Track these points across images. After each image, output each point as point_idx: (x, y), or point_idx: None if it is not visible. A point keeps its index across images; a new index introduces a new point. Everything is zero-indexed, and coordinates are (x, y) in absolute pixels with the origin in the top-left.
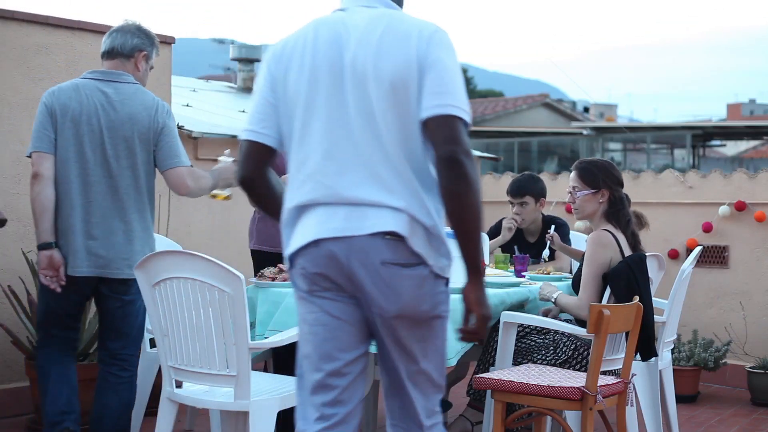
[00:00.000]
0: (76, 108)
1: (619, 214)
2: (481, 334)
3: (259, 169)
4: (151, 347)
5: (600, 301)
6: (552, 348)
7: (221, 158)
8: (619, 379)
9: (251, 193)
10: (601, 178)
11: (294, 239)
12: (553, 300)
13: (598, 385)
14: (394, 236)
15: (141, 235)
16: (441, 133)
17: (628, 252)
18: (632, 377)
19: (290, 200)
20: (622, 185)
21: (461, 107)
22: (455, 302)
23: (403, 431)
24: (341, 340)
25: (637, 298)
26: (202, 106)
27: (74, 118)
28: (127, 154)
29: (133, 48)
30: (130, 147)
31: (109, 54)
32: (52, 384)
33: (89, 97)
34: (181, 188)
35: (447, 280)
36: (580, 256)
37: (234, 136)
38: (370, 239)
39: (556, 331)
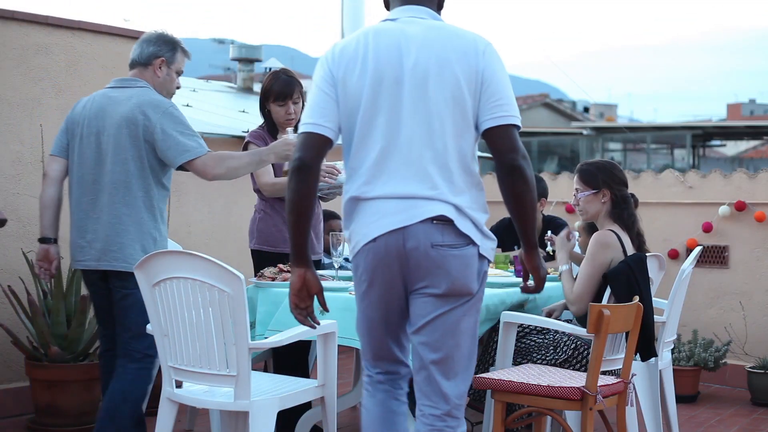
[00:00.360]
0: (82, 114)
1: (624, 213)
2: (541, 288)
3: (318, 157)
4: None
5: (594, 300)
6: (552, 347)
7: (283, 136)
8: (619, 379)
9: (305, 179)
10: (601, 179)
11: (355, 235)
12: (560, 271)
13: (598, 385)
14: (442, 220)
15: (131, 229)
16: (502, 142)
17: (631, 252)
18: (632, 377)
19: (349, 191)
20: (625, 185)
21: (516, 115)
22: None
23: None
24: (390, 323)
25: (637, 298)
26: (202, 106)
27: (80, 123)
28: (117, 151)
29: (149, 56)
30: (121, 145)
31: (131, 65)
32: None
33: (94, 102)
34: (207, 177)
35: (489, 262)
36: (577, 260)
37: (234, 136)
38: (421, 225)
39: (556, 331)
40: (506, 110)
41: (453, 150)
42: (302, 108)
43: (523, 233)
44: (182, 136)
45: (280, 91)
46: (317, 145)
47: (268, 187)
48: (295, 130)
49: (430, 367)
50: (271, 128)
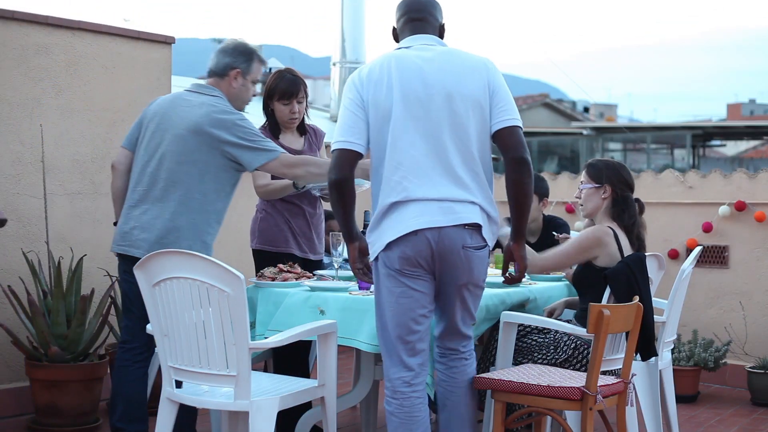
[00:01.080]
0: (155, 110)
1: (624, 214)
2: (522, 277)
3: (350, 172)
4: None
5: (593, 301)
6: (552, 347)
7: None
8: (619, 379)
9: (342, 193)
10: (606, 175)
11: (392, 229)
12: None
13: (599, 385)
14: (473, 226)
15: (181, 228)
16: (511, 140)
17: (628, 252)
18: (632, 377)
19: (386, 197)
20: (629, 187)
21: (518, 118)
22: None
23: (452, 346)
24: (419, 305)
25: (637, 298)
26: None
27: (152, 118)
28: (179, 151)
29: (225, 67)
30: (184, 147)
31: (208, 74)
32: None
33: (169, 101)
34: (287, 177)
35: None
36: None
37: None
38: (456, 229)
39: (557, 331)
40: (511, 114)
41: (477, 156)
42: (306, 108)
43: (517, 221)
44: (253, 144)
45: (285, 89)
46: (350, 160)
47: (260, 190)
48: (299, 129)
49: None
50: (273, 128)
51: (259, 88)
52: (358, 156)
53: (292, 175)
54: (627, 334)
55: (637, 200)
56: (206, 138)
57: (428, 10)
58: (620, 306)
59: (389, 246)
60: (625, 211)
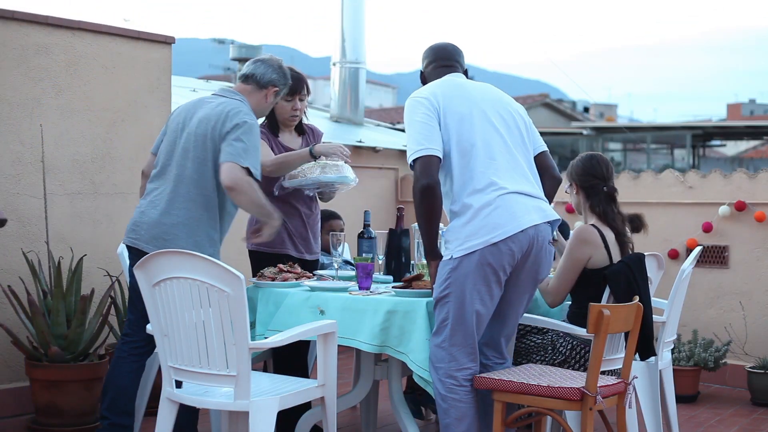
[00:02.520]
0: (178, 111)
1: (597, 207)
2: None
3: (437, 174)
4: None
5: (592, 300)
6: (550, 348)
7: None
8: (619, 380)
9: (434, 197)
10: (570, 172)
11: (501, 227)
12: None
13: (599, 385)
14: (551, 222)
15: (186, 223)
16: (549, 161)
17: (615, 248)
18: (633, 379)
19: (481, 194)
20: (593, 176)
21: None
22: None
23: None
24: (492, 305)
25: (636, 298)
26: None
27: (174, 119)
28: (189, 148)
29: (269, 82)
30: (193, 143)
31: (246, 79)
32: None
33: (192, 104)
34: (224, 182)
35: None
36: None
37: None
38: (546, 224)
39: (556, 332)
40: (541, 139)
41: (532, 164)
42: (306, 106)
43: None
44: (242, 144)
45: (291, 86)
46: (436, 165)
47: (269, 166)
48: (297, 128)
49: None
50: (272, 126)
51: None
52: (439, 160)
53: (228, 183)
54: (627, 334)
55: (638, 216)
56: (216, 134)
57: (455, 58)
58: (620, 306)
59: (497, 243)
60: (598, 203)
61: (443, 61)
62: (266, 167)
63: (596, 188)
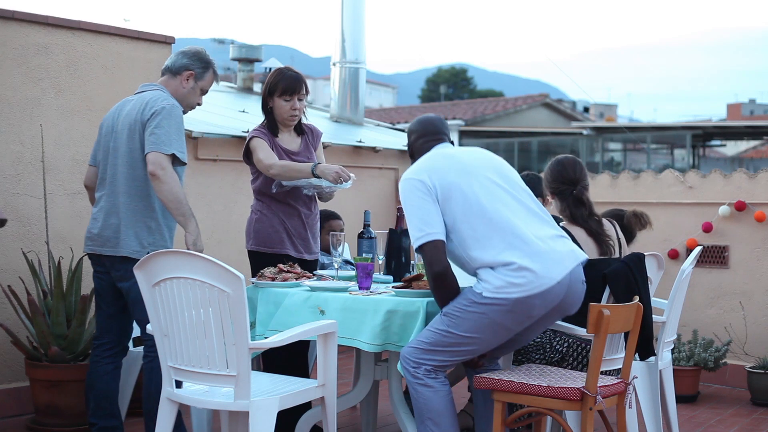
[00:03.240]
0: (106, 118)
1: (569, 209)
2: None
3: (447, 260)
4: (134, 346)
5: (593, 301)
6: (548, 346)
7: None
8: (619, 379)
9: (448, 282)
10: (543, 181)
11: (538, 281)
12: None
13: (599, 385)
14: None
15: (125, 218)
16: None
17: (588, 245)
18: (632, 379)
19: (511, 248)
20: (565, 181)
21: None
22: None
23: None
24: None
25: (636, 298)
26: (201, 106)
27: (103, 125)
28: (119, 145)
29: (180, 67)
30: (122, 139)
31: (162, 71)
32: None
33: (116, 107)
34: (149, 169)
35: None
36: None
37: (234, 136)
38: (578, 265)
39: (552, 330)
40: None
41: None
42: (305, 107)
43: None
44: (162, 130)
45: (287, 86)
46: (441, 249)
47: (275, 169)
48: (296, 128)
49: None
50: (271, 126)
51: (258, 87)
52: (444, 243)
53: (151, 171)
54: (627, 334)
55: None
56: (139, 126)
57: (443, 131)
58: (620, 306)
59: (530, 295)
60: (564, 205)
61: (431, 135)
62: (272, 169)
63: (565, 193)
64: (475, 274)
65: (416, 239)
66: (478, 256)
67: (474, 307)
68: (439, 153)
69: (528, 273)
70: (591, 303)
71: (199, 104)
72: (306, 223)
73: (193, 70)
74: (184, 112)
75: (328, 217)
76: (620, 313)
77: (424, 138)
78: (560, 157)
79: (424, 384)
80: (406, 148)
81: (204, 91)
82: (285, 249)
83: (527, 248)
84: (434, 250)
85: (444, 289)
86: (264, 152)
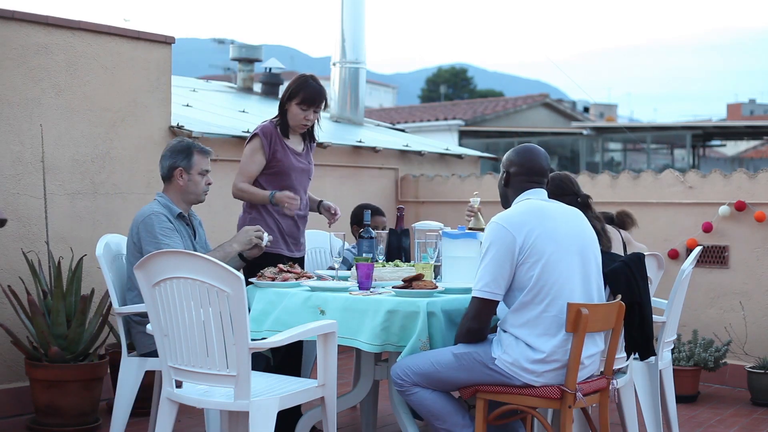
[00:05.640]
0: None
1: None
2: None
3: (488, 321)
4: (129, 352)
5: None
6: None
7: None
8: (601, 376)
9: (479, 339)
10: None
11: (534, 372)
12: None
13: (578, 382)
14: None
15: None
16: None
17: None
18: (616, 374)
19: (532, 339)
20: (569, 194)
21: None
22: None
23: None
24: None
25: (620, 297)
26: (202, 106)
27: None
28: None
29: (168, 169)
30: (127, 248)
31: (162, 179)
32: None
33: None
34: None
35: None
36: None
37: (234, 136)
38: None
39: None
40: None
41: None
42: (319, 118)
43: None
44: (150, 242)
45: (309, 96)
46: (492, 310)
47: (237, 190)
48: (304, 136)
49: None
50: (283, 127)
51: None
52: (497, 304)
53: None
54: (626, 334)
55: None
56: (132, 237)
57: (545, 173)
58: (600, 305)
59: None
60: None
61: (533, 176)
62: (236, 188)
63: (573, 204)
64: (502, 320)
65: (478, 290)
66: (515, 321)
67: (482, 366)
68: (538, 208)
69: (545, 370)
70: (568, 302)
71: (209, 184)
72: (298, 224)
73: (179, 165)
74: (198, 201)
75: (374, 213)
76: (600, 311)
77: (525, 176)
78: (552, 175)
79: (413, 393)
80: (405, 148)
81: (203, 173)
82: (278, 248)
83: (563, 346)
84: (485, 308)
85: (469, 341)
86: (245, 165)
